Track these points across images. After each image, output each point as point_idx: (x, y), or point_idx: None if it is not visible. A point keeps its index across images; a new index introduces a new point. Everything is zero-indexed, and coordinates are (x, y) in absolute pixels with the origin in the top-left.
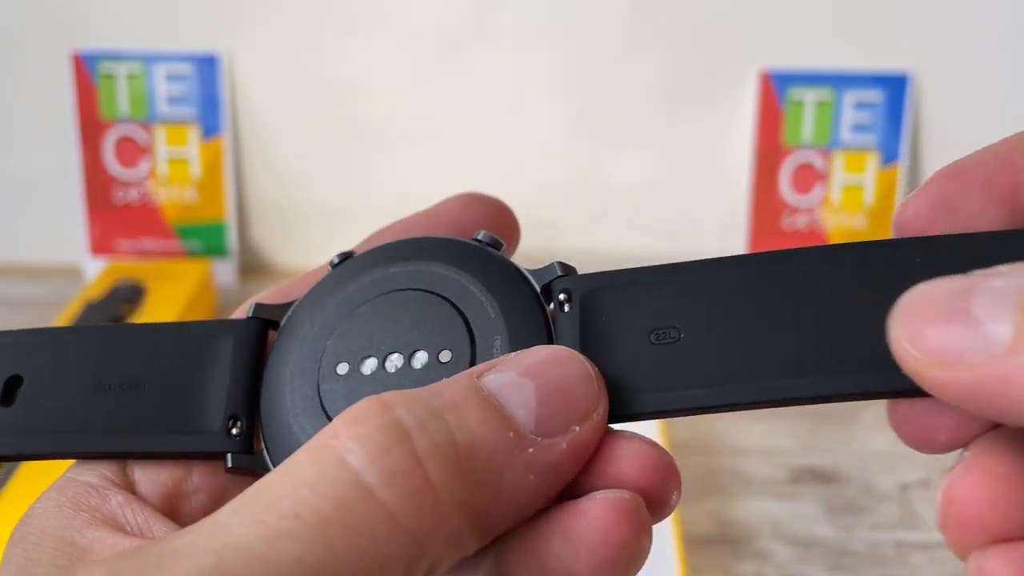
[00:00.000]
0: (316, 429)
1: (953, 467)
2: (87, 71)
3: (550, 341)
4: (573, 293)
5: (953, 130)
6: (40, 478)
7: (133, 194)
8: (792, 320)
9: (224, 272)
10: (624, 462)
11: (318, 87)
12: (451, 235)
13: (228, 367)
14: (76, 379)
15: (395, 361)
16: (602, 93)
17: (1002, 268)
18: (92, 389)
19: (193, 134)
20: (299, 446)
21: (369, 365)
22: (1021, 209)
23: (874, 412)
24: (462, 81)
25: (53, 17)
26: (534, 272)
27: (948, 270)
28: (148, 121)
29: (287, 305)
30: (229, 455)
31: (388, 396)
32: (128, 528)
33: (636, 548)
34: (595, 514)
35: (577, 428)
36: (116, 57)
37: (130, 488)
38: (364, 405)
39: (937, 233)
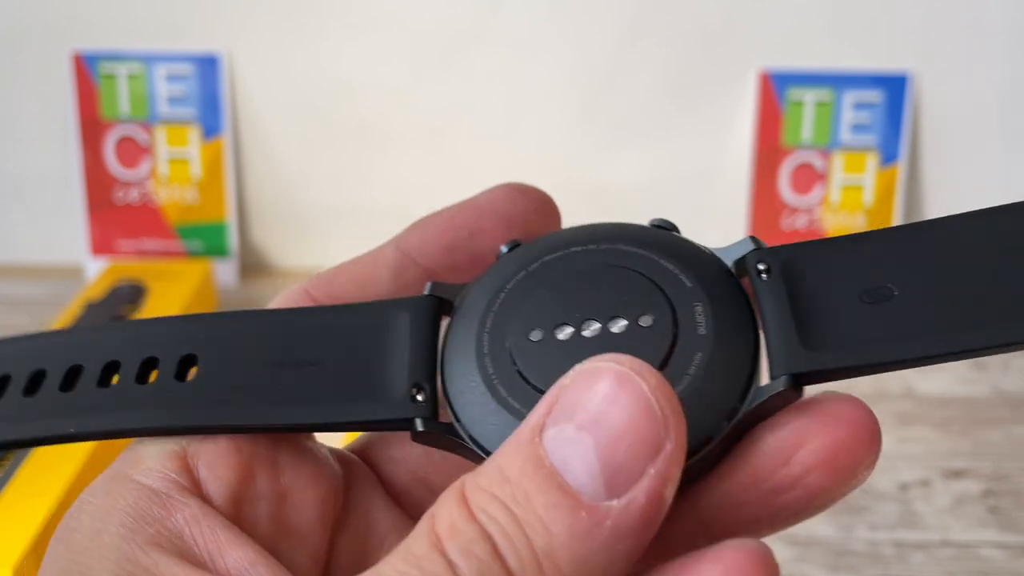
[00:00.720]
0: (514, 394)
1: None
2: (88, 71)
3: (751, 312)
4: (772, 264)
5: (953, 130)
6: (42, 478)
7: (134, 194)
8: (978, 275)
9: (225, 272)
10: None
11: (319, 87)
12: (501, 226)
13: (407, 341)
14: (253, 357)
15: (592, 327)
16: (602, 93)
17: None
18: (270, 366)
19: (194, 134)
20: (494, 411)
21: (564, 332)
22: None
23: (874, 412)
24: (462, 81)
25: (53, 17)
26: (722, 250)
27: None
28: (149, 121)
29: (462, 285)
30: (417, 420)
31: (468, 491)
32: (196, 551)
33: None
34: (726, 561)
35: (652, 470)
36: (117, 57)
37: (196, 488)
38: (452, 508)
39: None
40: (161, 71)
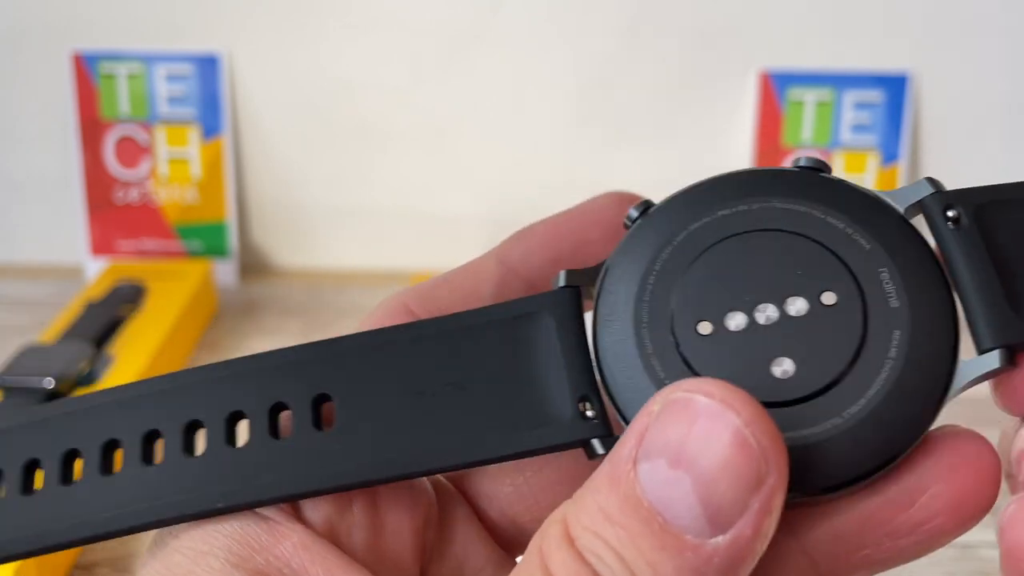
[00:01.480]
0: None
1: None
2: (87, 71)
3: (939, 268)
4: (963, 210)
5: (953, 130)
6: None
7: (133, 194)
8: None
9: (225, 272)
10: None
11: (319, 87)
12: (608, 237)
13: (557, 346)
14: (392, 389)
15: (767, 312)
16: (602, 93)
17: None
18: (413, 397)
19: (193, 134)
20: None
21: (735, 321)
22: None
23: None
24: (463, 81)
25: (53, 17)
26: (891, 194)
27: None
28: (148, 121)
29: (596, 268)
30: (595, 441)
31: (573, 530)
32: None
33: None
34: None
35: (756, 504)
36: (116, 57)
37: (298, 515)
38: (561, 546)
39: None
40: (161, 71)
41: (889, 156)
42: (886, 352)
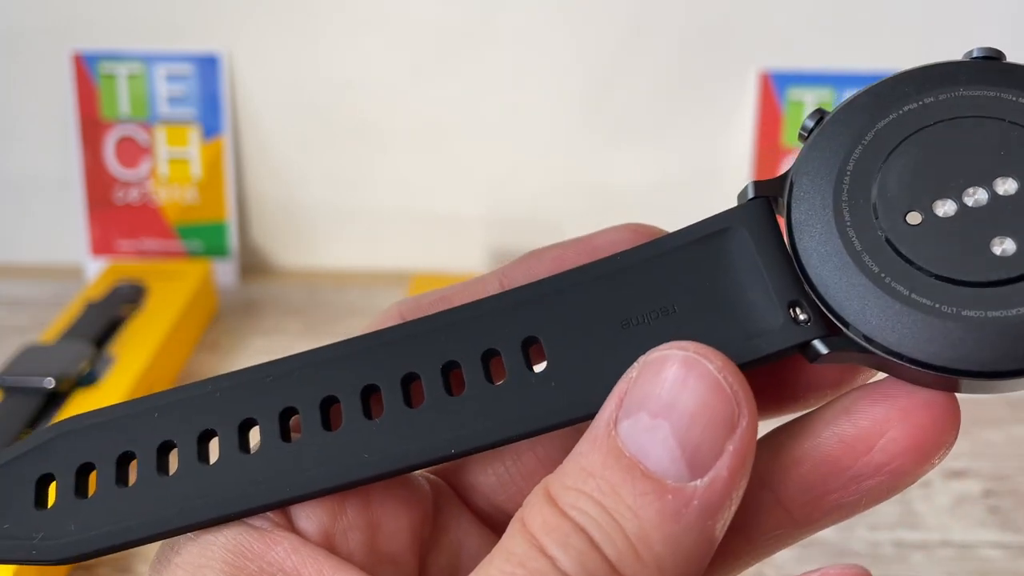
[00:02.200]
0: (920, 290)
1: None
2: (87, 71)
3: None
4: None
5: None
6: None
7: (134, 194)
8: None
9: (225, 272)
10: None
11: (318, 87)
12: None
13: (756, 257)
14: (600, 322)
15: (976, 195)
16: (602, 93)
17: None
18: (620, 327)
19: (193, 134)
20: (903, 314)
21: (945, 208)
22: None
23: None
24: (462, 81)
25: (53, 17)
26: None
27: None
28: (148, 121)
29: (781, 178)
30: (816, 342)
31: (554, 491)
32: None
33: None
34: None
35: (731, 446)
36: (116, 57)
37: (289, 525)
38: (543, 508)
39: None
40: (161, 71)
41: None
42: None
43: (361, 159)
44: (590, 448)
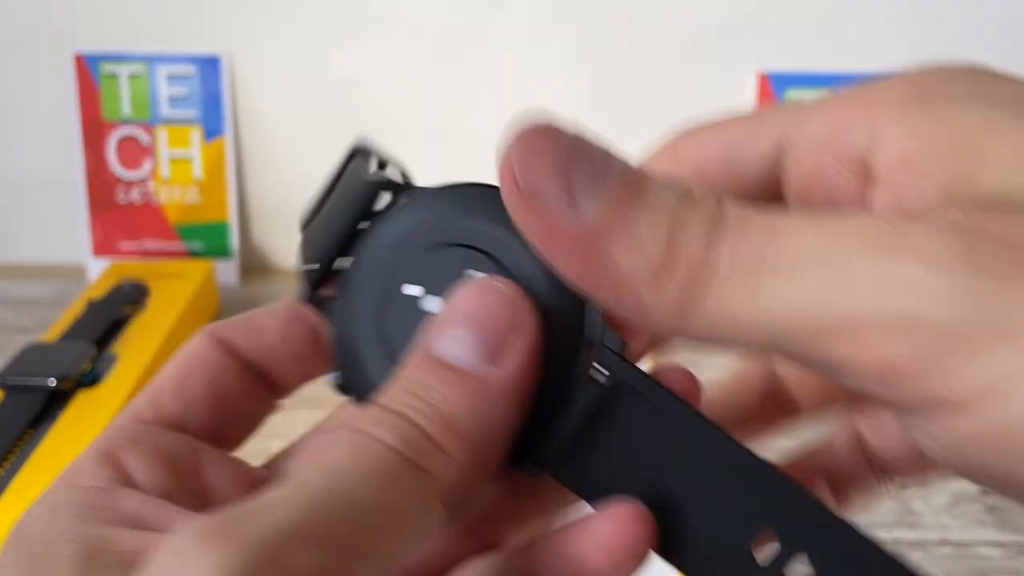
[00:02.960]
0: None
1: None
2: (90, 72)
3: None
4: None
5: None
6: (43, 476)
7: (135, 195)
8: None
9: (226, 272)
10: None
11: (319, 88)
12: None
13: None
14: None
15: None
16: (602, 94)
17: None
18: None
19: (195, 135)
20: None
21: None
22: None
23: None
24: (463, 81)
25: (56, 19)
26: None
27: None
28: (150, 122)
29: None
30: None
31: (376, 401)
32: (152, 524)
33: (643, 548)
34: (614, 516)
35: (518, 342)
36: (118, 58)
37: (134, 486)
38: (362, 412)
39: None
40: (163, 72)
41: None
42: None
43: None
44: (410, 363)
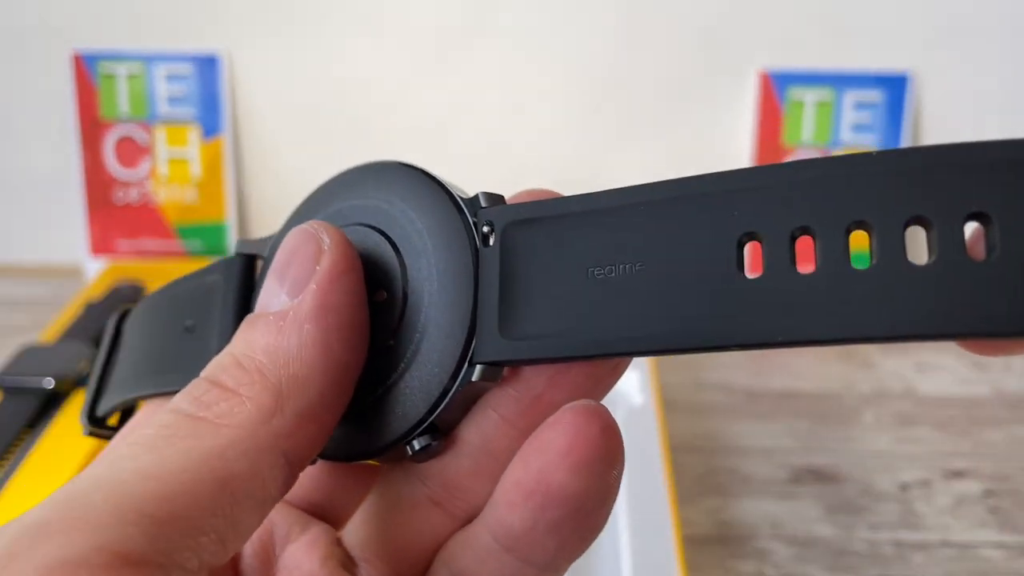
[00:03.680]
0: None
1: None
2: (87, 71)
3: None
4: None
5: (953, 130)
6: (44, 476)
7: (133, 194)
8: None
9: None
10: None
11: (318, 87)
12: None
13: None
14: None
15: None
16: (602, 93)
17: None
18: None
19: (193, 134)
20: None
21: None
22: None
23: (874, 412)
24: (463, 81)
25: (54, 17)
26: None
27: None
28: (148, 121)
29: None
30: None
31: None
32: None
33: (606, 446)
34: (565, 420)
35: (318, 267)
36: (116, 57)
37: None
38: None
39: None
40: (161, 71)
41: None
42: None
43: (361, 159)
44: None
